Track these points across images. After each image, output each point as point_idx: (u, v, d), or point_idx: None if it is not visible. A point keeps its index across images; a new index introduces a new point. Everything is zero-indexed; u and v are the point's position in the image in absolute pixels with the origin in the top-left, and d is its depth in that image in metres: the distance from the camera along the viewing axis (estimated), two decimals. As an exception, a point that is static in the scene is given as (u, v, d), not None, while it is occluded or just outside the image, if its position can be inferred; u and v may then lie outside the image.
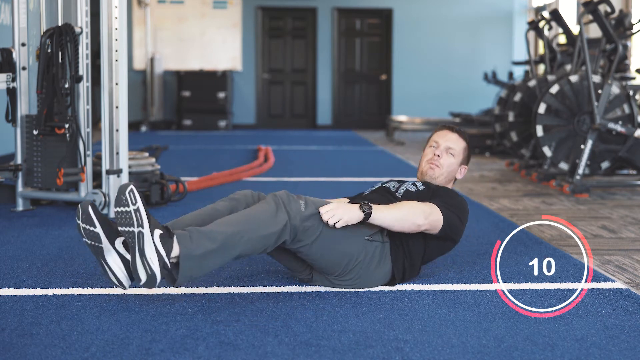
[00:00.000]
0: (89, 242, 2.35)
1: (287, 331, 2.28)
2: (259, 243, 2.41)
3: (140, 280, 2.28)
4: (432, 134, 3.10)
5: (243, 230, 2.36)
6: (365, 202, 2.62)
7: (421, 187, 2.91)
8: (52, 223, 4.04)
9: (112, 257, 2.32)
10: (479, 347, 2.16)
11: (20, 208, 4.42)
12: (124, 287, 2.36)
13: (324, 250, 2.57)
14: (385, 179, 3.12)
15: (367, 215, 2.58)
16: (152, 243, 2.22)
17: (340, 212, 2.53)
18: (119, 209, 2.26)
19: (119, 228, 2.28)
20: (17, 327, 2.29)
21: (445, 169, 2.98)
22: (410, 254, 2.76)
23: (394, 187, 2.96)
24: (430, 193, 2.88)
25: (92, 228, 2.32)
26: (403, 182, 2.99)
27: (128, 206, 2.24)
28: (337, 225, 2.53)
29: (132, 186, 2.27)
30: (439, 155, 2.98)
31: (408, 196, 2.87)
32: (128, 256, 2.31)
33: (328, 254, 2.59)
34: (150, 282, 2.23)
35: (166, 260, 2.22)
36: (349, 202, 2.72)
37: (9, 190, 4.57)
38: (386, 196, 2.88)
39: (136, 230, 2.22)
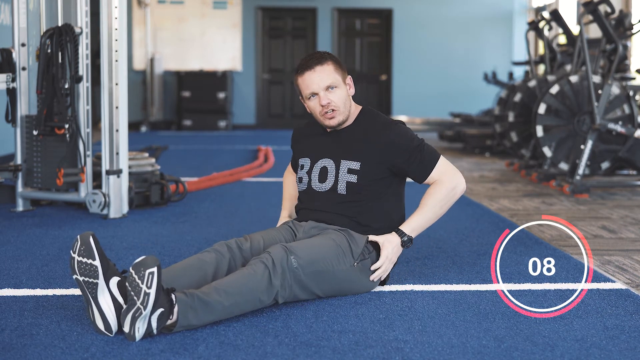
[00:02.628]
0: (82, 278, 2.21)
1: (287, 331, 2.28)
2: (252, 309, 2.39)
3: (122, 328, 2.20)
4: (299, 84, 2.73)
5: (239, 302, 2.32)
6: (401, 231, 2.69)
7: (357, 166, 2.71)
8: (52, 223, 4.04)
9: (104, 298, 2.21)
10: (479, 348, 2.16)
11: (20, 208, 4.42)
12: (110, 333, 2.21)
13: (324, 291, 2.58)
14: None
15: (409, 245, 2.71)
16: (147, 320, 2.15)
17: (389, 264, 2.70)
18: (134, 277, 2.13)
19: (127, 286, 2.17)
20: (17, 327, 2.29)
21: (342, 105, 2.71)
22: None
23: (324, 185, 2.76)
24: (381, 153, 2.71)
25: (90, 261, 2.19)
26: (326, 169, 2.76)
27: (142, 283, 2.12)
28: (389, 268, 2.72)
29: (156, 268, 2.12)
30: (328, 103, 2.68)
31: (353, 188, 2.71)
32: (120, 299, 2.21)
33: (329, 292, 2.61)
34: (129, 339, 2.17)
35: (154, 332, 2.17)
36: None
37: (9, 190, 4.57)
38: (326, 200, 2.74)
39: (139, 304, 2.13)
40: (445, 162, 2.75)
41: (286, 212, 2.99)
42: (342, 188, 2.73)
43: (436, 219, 2.73)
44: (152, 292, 2.11)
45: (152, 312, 2.14)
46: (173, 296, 2.20)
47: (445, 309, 2.53)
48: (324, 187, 2.76)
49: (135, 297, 2.13)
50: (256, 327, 2.31)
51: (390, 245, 2.67)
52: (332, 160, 2.76)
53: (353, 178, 2.72)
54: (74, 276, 2.23)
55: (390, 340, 2.22)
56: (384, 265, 2.67)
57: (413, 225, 2.69)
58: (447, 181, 2.71)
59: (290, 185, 3.06)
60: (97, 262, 2.20)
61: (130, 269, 2.14)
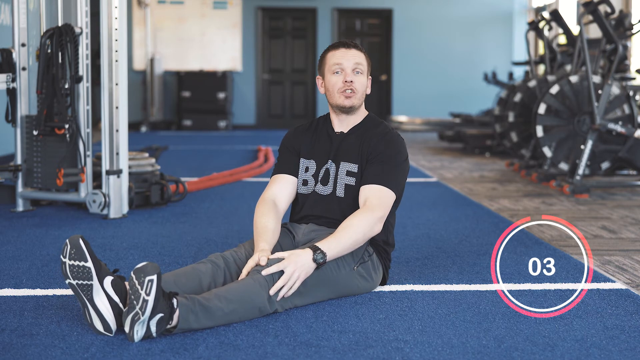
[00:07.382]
0: (75, 282, 2.21)
1: (287, 331, 2.28)
2: (252, 317, 2.38)
3: (123, 327, 2.20)
4: (327, 57, 2.75)
5: (239, 310, 2.32)
6: (317, 247, 2.47)
7: (355, 169, 2.71)
8: (52, 223, 4.04)
9: (100, 298, 2.21)
10: (479, 348, 2.16)
11: (20, 208, 4.42)
12: (110, 332, 2.21)
13: (324, 297, 2.58)
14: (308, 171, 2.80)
15: (322, 264, 2.48)
16: (145, 324, 2.15)
17: (293, 281, 2.42)
18: (134, 281, 2.13)
19: (128, 289, 2.18)
20: (17, 327, 2.29)
21: (360, 92, 2.73)
22: (387, 242, 2.76)
23: (326, 189, 2.75)
24: (365, 160, 2.70)
25: (82, 263, 2.20)
26: (328, 171, 2.75)
27: (142, 289, 2.12)
28: (296, 286, 2.43)
29: (155, 276, 2.11)
30: (352, 81, 2.70)
31: (351, 191, 2.71)
32: (116, 298, 2.22)
33: (329, 297, 2.60)
34: (129, 339, 2.17)
35: (154, 335, 2.18)
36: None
37: (9, 190, 4.57)
38: (327, 205, 2.74)
39: (137, 309, 2.13)
40: (393, 198, 2.66)
41: (266, 244, 2.57)
42: (340, 191, 2.73)
43: (349, 250, 2.57)
44: (151, 299, 2.12)
45: (150, 318, 2.15)
46: (175, 301, 2.20)
47: (445, 309, 2.53)
48: (326, 191, 2.75)
49: (135, 302, 2.13)
50: (256, 327, 2.31)
51: (296, 259, 2.42)
52: (334, 162, 2.76)
53: (351, 180, 2.72)
54: (67, 281, 2.23)
55: (390, 340, 2.22)
56: (288, 283, 2.40)
57: (330, 246, 2.50)
58: (376, 211, 2.59)
59: (268, 218, 2.67)
60: (89, 264, 2.20)
61: (132, 273, 2.15)
